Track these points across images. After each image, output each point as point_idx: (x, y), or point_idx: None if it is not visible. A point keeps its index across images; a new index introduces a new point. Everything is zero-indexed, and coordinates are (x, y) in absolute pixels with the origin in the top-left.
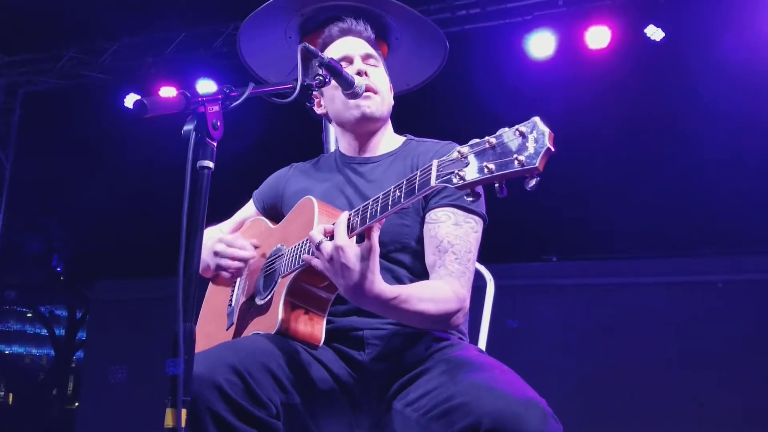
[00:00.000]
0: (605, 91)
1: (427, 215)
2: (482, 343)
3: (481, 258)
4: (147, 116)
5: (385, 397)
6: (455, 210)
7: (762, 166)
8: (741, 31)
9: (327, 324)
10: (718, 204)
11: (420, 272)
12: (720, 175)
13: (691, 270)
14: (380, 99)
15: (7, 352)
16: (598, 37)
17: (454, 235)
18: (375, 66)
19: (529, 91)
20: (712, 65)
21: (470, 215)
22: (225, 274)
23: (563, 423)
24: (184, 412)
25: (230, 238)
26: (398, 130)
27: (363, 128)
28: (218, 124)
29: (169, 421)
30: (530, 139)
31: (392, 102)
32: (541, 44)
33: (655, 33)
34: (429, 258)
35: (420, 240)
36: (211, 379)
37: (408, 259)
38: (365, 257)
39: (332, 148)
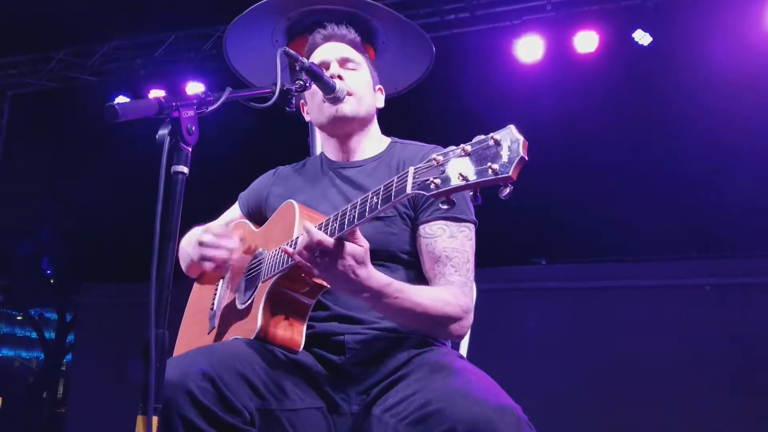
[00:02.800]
0: (593, 94)
1: (421, 229)
2: (463, 349)
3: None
4: (118, 121)
5: (364, 402)
6: (448, 222)
7: (749, 169)
8: (727, 36)
9: (308, 329)
10: (706, 207)
11: (410, 280)
12: (708, 179)
13: (678, 273)
14: (355, 100)
15: None
16: (586, 41)
17: (451, 248)
18: (353, 69)
19: (517, 94)
20: (700, 69)
21: (463, 224)
22: (208, 264)
23: (551, 428)
24: (155, 419)
25: (217, 229)
26: (387, 133)
27: (338, 129)
28: (193, 129)
29: (140, 429)
30: (504, 148)
31: (374, 104)
32: (529, 48)
33: (642, 38)
34: (428, 273)
35: (407, 249)
36: (182, 384)
37: (395, 266)
38: (356, 252)
39: (318, 152)
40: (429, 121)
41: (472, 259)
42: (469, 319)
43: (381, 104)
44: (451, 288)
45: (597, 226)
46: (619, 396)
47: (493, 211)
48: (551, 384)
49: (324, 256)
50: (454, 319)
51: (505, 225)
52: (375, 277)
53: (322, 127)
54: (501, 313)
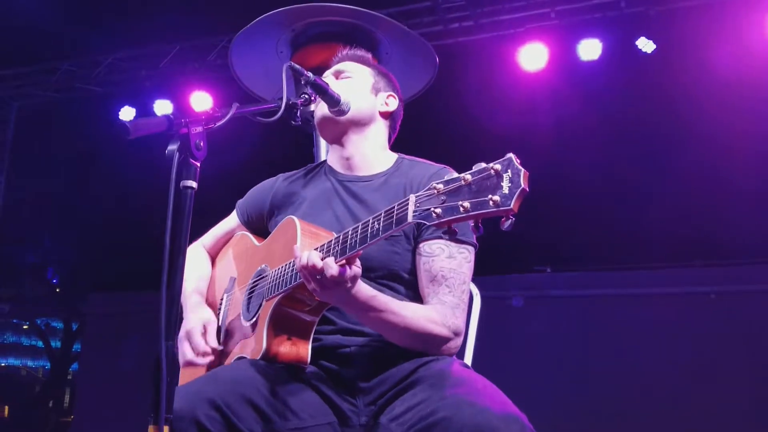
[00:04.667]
0: (597, 102)
1: (420, 247)
2: (468, 358)
3: (474, 270)
4: (130, 137)
5: (372, 413)
6: (449, 243)
7: (754, 177)
8: (731, 44)
9: (314, 342)
10: (711, 215)
11: (410, 299)
12: (712, 186)
13: (683, 281)
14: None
15: (2, 364)
16: (589, 49)
17: (448, 268)
18: (345, 78)
19: (521, 102)
20: (703, 77)
21: (463, 246)
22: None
23: None
24: (166, 429)
25: (197, 340)
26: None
27: (324, 132)
28: (201, 144)
29: None
30: (505, 179)
31: (369, 107)
32: (533, 56)
33: (646, 45)
34: (423, 291)
35: (410, 269)
36: (191, 414)
37: (397, 286)
38: (348, 280)
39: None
40: (432, 131)
41: (468, 281)
42: (458, 340)
43: (390, 108)
44: (441, 308)
45: (601, 234)
46: (623, 403)
47: (496, 220)
48: (556, 391)
49: (325, 280)
50: (438, 339)
51: (508, 233)
52: (362, 290)
53: (322, 136)
54: (505, 321)
